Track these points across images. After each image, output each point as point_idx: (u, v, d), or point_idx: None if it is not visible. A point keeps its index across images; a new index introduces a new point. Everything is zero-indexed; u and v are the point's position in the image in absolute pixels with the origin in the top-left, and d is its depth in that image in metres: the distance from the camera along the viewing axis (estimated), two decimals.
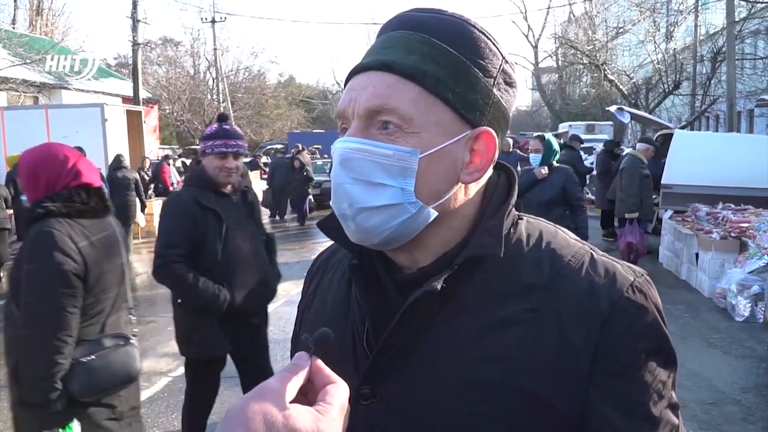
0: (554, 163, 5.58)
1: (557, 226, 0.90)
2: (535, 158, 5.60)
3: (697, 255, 7.78)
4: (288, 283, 6.57)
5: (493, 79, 0.82)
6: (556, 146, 5.67)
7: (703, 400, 4.45)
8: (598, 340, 0.76)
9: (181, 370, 5.35)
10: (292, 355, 0.77)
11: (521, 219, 0.88)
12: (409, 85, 0.78)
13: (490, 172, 0.86)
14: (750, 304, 6.41)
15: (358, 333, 0.86)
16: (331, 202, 0.84)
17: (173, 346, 6.16)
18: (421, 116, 0.78)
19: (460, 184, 0.82)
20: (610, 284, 0.79)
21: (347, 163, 0.79)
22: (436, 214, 0.80)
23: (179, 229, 2.98)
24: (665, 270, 8.94)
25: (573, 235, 0.88)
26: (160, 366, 5.51)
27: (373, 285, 0.86)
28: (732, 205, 8.41)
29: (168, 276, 3.01)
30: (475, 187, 0.84)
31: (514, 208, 0.87)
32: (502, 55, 0.83)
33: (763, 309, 6.27)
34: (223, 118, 3.16)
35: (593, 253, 0.84)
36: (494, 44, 0.83)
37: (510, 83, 0.85)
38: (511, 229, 0.85)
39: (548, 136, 5.75)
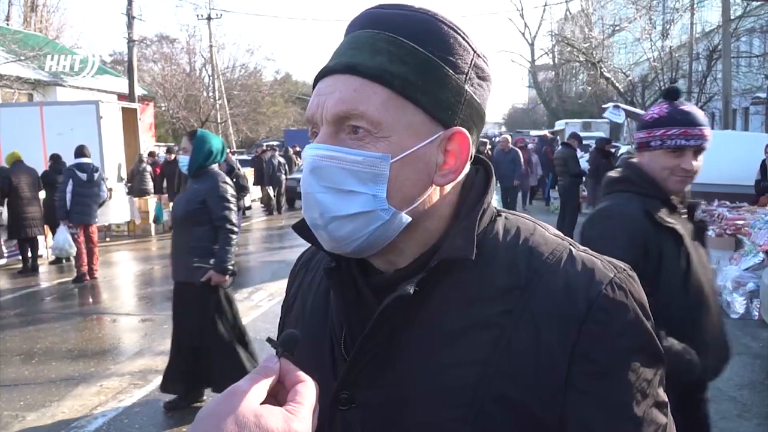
0: (213, 167, 4.28)
1: (537, 221, 0.86)
2: (182, 161, 4.33)
3: None
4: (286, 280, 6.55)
5: (464, 76, 0.79)
6: (215, 146, 4.26)
7: None
8: (575, 341, 0.73)
9: None
10: None
11: (500, 215, 0.85)
12: (377, 88, 0.75)
13: (466, 170, 0.83)
14: (745, 302, 6.42)
15: (336, 337, 0.84)
16: (302, 211, 0.81)
17: (169, 344, 6.12)
18: (391, 120, 0.75)
19: (434, 186, 0.79)
20: (588, 282, 0.76)
21: (317, 171, 0.77)
22: (410, 219, 0.78)
23: (627, 256, 2.01)
24: None
25: (552, 230, 0.85)
26: (156, 364, 5.47)
27: (350, 289, 0.84)
28: (727, 203, 8.44)
29: None
30: (450, 187, 0.82)
31: (492, 205, 0.85)
32: (473, 49, 0.80)
33: (758, 306, 6.29)
34: (673, 93, 2.12)
35: (572, 248, 0.81)
36: (464, 38, 0.80)
37: (483, 77, 0.82)
38: (489, 227, 0.82)
39: (203, 132, 4.42)
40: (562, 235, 0.85)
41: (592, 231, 2.11)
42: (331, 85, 0.77)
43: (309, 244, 0.90)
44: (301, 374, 0.69)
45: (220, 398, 0.64)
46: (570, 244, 0.82)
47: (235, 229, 4.26)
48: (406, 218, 0.78)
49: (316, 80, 0.81)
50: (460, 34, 0.80)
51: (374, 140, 0.75)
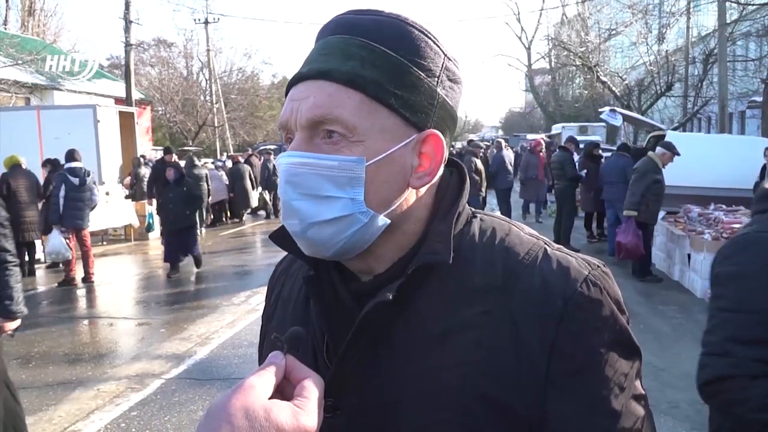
0: None
1: (512, 221, 0.88)
2: None
3: (689, 256, 7.82)
4: None
5: (436, 79, 0.80)
6: None
7: (696, 401, 4.44)
8: (553, 340, 0.74)
9: (174, 372, 5.35)
10: (260, 364, 0.77)
11: (475, 217, 0.86)
12: (350, 92, 0.76)
13: (441, 172, 0.84)
14: None
15: (318, 345, 0.85)
16: (281, 219, 0.82)
17: (166, 348, 6.12)
18: (365, 123, 0.76)
19: (410, 189, 0.80)
20: (564, 280, 0.77)
21: (293, 179, 0.77)
22: (389, 221, 0.79)
23: None
24: (658, 271, 8.97)
25: (527, 230, 0.86)
26: (152, 368, 5.48)
27: (330, 296, 0.85)
28: (724, 206, 8.46)
29: (741, 403, 1.43)
30: (425, 189, 0.83)
31: (467, 206, 0.86)
32: (443, 53, 0.81)
33: None
34: None
35: (547, 248, 0.82)
36: (435, 42, 0.81)
37: (454, 80, 0.83)
38: (465, 229, 0.83)
39: None
40: (537, 234, 0.86)
41: (724, 267, 1.59)
42: (305, 90, 0.78)
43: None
44: (307, 370, 0.70)
45: (229, 394, 0.65)
46: (545, 243, 0.84)
47: (17, 260, 3.38)
48: (385, 220, 0.79)
49: (289, 87, 0.81)
50: (430, 38, 0.81)
51: (349, 144, 0.76)
